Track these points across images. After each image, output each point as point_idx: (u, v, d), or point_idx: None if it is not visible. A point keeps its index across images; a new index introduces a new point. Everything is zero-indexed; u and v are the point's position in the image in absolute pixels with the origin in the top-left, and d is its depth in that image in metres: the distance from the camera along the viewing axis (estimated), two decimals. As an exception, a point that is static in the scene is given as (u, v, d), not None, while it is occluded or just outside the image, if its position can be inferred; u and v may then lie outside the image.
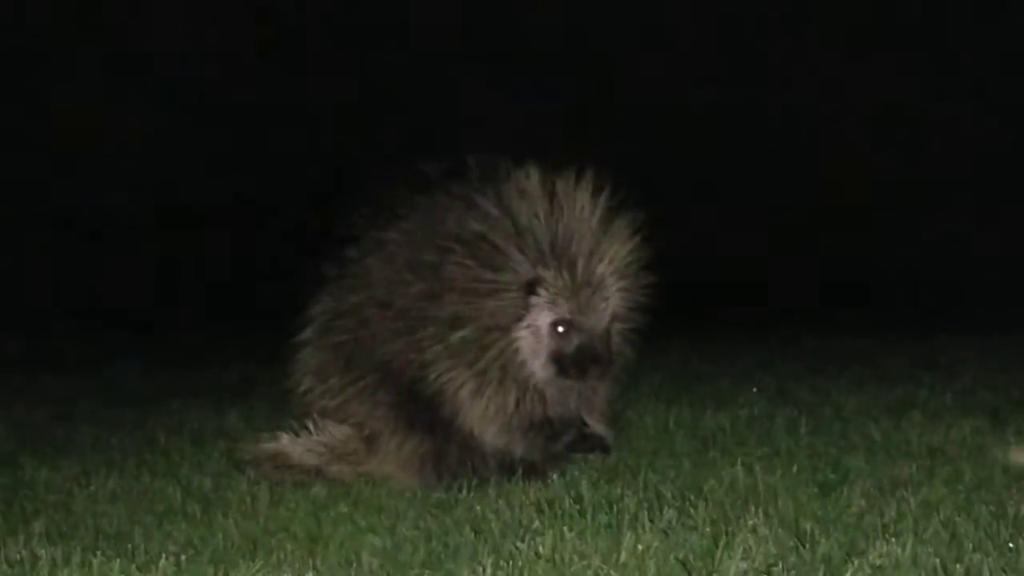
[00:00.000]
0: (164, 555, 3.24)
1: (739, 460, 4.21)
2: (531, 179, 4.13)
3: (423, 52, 14.47)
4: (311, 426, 4.39)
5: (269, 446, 4.43)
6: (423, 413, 4.22)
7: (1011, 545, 3.07)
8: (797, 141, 14.66)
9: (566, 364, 4.05)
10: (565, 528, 3.32)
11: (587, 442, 4.26)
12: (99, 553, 3.28)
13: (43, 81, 13.63)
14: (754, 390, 6.18)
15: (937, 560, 2.93)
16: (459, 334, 4.08)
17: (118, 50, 13.84)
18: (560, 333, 4.05)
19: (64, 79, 13.61)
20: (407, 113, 14.13)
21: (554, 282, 4.03)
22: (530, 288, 4.03)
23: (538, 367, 4.09)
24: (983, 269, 12.86)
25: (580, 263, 4.03)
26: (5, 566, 3.26)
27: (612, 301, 4.10)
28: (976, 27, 14.08)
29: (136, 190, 13.82)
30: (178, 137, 13.80)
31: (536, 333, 4.06)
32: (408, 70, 14.46)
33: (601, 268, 4.06)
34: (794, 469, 4.12)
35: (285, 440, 4.41)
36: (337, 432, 4.38)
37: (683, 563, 2.99)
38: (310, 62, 14.60)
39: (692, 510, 3.54)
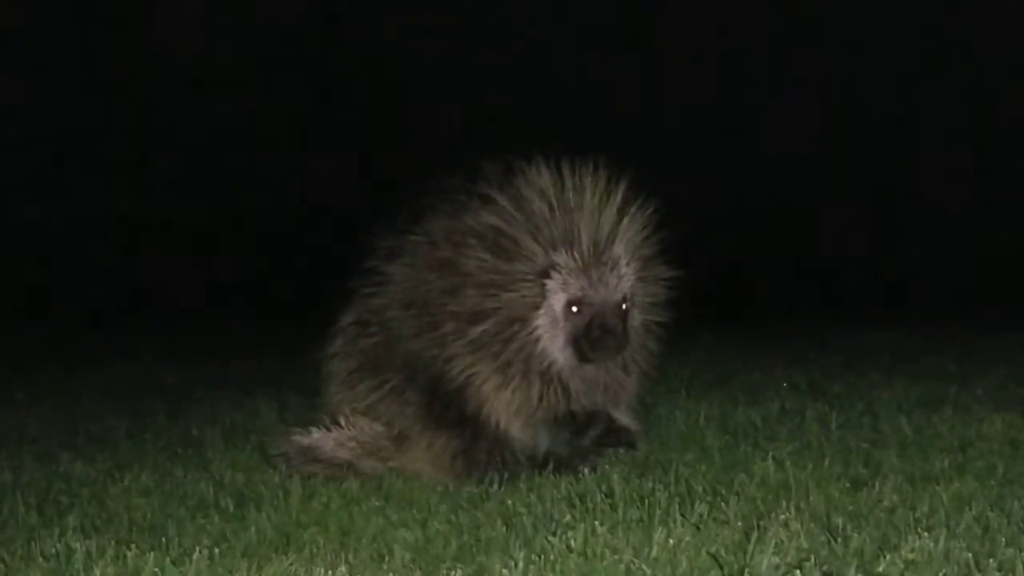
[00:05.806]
0: (197, 548, 3.26)
1: (770, 454, 4.20)
2: (543, 173, 4.15)
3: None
4: (342, 421, 4.42)
5: (301, 440, 4.45)
6: (450, 409, 4.23)
7: (1045, 540, 3.06)
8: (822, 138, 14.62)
9: (581, 343, 4.06)
10: (596, 522, 3.32)
11: (614, 436, 4.27)
12: (133, 546, 3.30)
13: None
14: (784, 385, 6.16)
15: (970, 555, 2.92)
16: (480, 328, 4.10)
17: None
18: (575, 313, 4.07)
19: None
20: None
21: (566, 264, 4.05)
22: (544, 274, 4.06)
23: (557, 352, 4.11)
24: (1013, 265, 12.78)
25: (591, 244, 4.07)
26: (40, 559, 3.29)
27: (625, 280, 4.12)
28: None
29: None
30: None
31: (553, 317, 4.08)
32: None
33: (613, 248, 4.09)
34: (825, 463, 4.11)
35: (317, 435, 4.43)
36: (368, 428, 4.40)
37: (714, 557, 2.99)
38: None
39: (723, 504, 3.54)
